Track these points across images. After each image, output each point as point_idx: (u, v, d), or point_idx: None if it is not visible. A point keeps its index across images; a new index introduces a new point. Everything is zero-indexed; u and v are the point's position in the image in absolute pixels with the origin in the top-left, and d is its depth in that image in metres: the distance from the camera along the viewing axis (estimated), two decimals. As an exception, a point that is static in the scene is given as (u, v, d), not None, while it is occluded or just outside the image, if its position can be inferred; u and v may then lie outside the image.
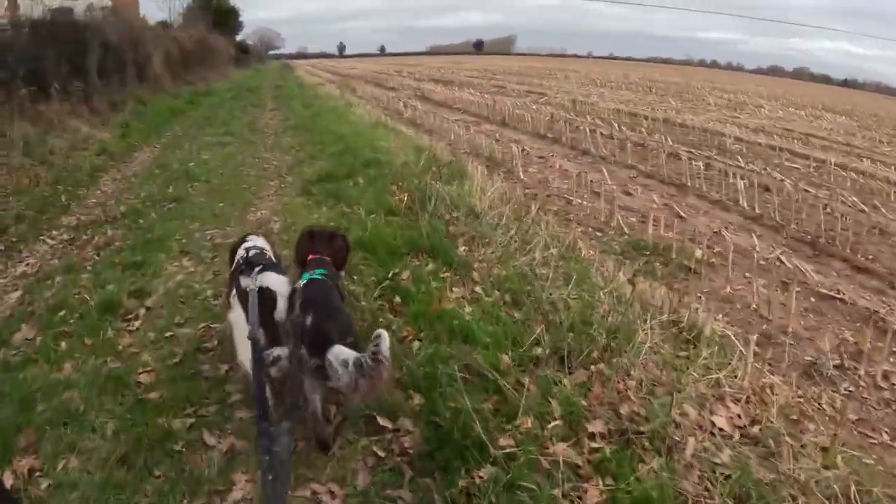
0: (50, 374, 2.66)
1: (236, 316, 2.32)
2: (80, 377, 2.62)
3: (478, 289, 3.42)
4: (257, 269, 2.42)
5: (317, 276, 2.36)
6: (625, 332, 2.74)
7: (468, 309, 3.10)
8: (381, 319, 3.06)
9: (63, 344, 2.96)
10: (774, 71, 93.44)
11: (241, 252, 2.68)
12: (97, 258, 4.36)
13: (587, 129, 10.63)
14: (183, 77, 19.05)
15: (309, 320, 2.10)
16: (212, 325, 3.13)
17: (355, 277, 3.53)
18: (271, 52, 76.13)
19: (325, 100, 14.77)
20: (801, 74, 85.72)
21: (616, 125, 12.04)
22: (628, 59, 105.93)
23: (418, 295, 3.22)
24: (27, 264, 4.40)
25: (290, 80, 25.16)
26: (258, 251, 2.67)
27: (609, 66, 63.92)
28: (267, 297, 2.30)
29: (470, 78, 28.84)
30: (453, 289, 3.40)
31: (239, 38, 44.35)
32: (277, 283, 2.43)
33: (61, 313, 3.32)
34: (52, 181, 7.09)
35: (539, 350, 2.64)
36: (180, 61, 18.87)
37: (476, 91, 19.30)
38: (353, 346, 2.02)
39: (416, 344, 2.81)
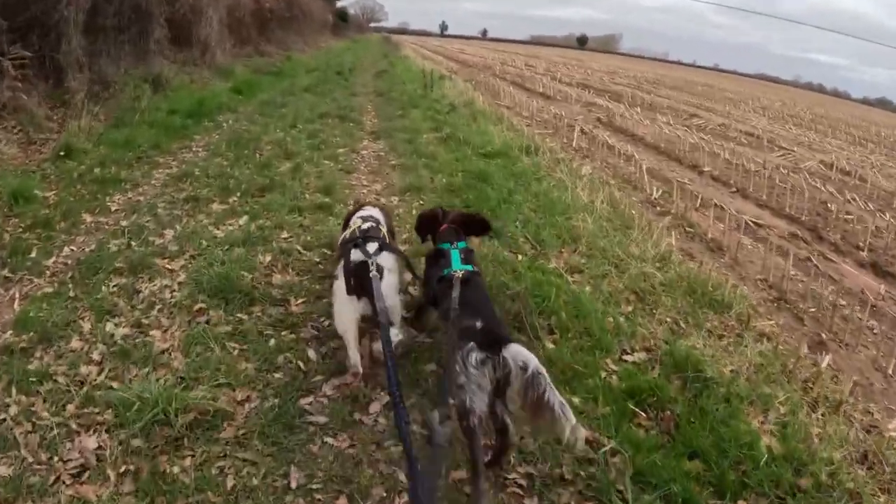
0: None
1: (339, 286, 2.31)
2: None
3: None
4: (374, 245, 2.38)
5: (469, 269, 2.29)
6: None
7: None
8: None
9: None
10: (883, 104, 79.97)
11: (356, 220, 2.64)
12: None
13: None
14: (255, 43, 13.31)
15: (478, 322, 1.98)
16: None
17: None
18: (372, 24, 71.09)
19: (472, 122, 8.20)
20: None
21: None
22: (733, 72, 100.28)
23: None
24: None
25: (399, 65, 17.96)
26: (373, 224, 2.60)
27: (732, 81, 56.79)
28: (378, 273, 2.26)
29: (619, 86, 21.67)
30: None
31: (340, 4, 39.08)
32: (390, 262, 2.37)
33: None
34: None
35: None
36: (254, 22, 13.11)
37: (677, 123, 12.43)
38: None
39: None
